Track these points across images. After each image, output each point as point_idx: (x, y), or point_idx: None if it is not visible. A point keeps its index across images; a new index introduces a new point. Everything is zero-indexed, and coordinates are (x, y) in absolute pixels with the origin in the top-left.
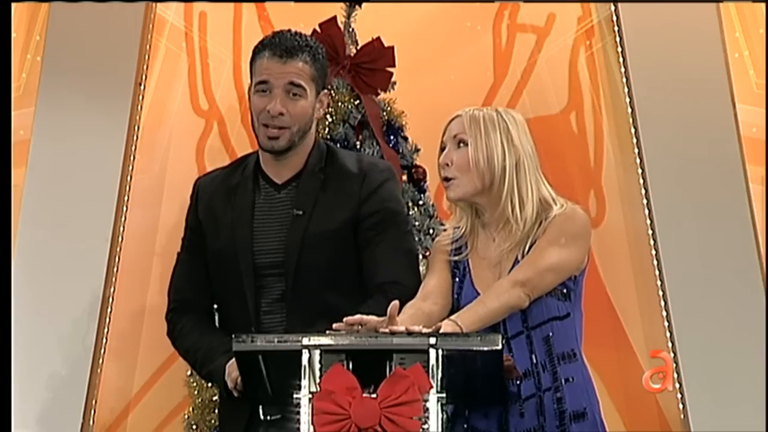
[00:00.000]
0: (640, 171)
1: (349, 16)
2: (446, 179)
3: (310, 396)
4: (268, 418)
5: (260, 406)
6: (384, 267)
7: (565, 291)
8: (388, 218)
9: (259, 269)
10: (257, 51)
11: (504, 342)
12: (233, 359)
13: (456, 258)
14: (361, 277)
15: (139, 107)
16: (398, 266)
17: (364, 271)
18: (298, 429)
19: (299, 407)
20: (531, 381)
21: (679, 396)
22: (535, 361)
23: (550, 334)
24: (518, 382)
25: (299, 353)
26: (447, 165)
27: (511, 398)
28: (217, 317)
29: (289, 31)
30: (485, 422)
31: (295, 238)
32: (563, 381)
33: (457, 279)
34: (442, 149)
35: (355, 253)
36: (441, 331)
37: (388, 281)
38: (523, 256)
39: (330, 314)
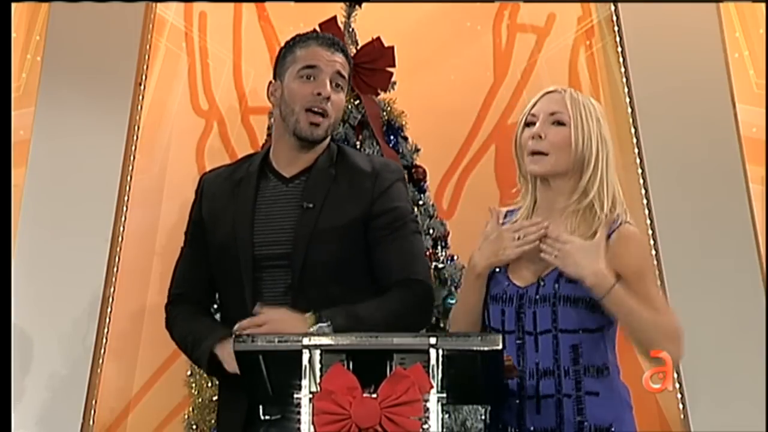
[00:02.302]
0: (640, 171)
1: (349, 16)
2: (534, 153)
3: (311, 396)
4: (268, 417)
5: (260, 406)
6: (404, 263)
7: (595, 303)
8: (400, 218)
9: (260, 261)
10: (298, 42)
11: (530, 337)
12: (220, 343)
13: None
14: (367, 273)
15: (139, 107)
16: (417, 263)
17: (379, 267)
18: (299, 429)
19: (299, 407)
20: (551, 381)
21: (679, 396)
22: (558, 363)
23: (579, 343)
24: (538, 383)
25: (299, 353)
26: (540, 137)
27: (525, 394)
28: (220, 314)
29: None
30: (508, 414)
31: (304, 231)
32: (586, 393)
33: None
34: (528, 124)
35: (363, 249)
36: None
37: (411, 277)
38: None
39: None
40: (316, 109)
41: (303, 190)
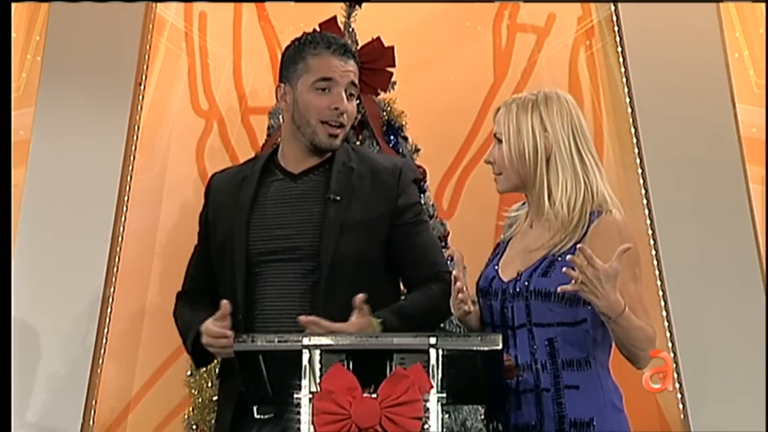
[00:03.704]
0: (640, 171)
1: (349, 16)
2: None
3: (311, 396)
4: (261, 417)
5: (253, 405)
6: (434, 256)
7: (569, 297)
8: (419, 213)
9: (256, 256)
10: (308, 46)
11: (510, 332)
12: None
13: (501, 239)
14: (382, 267)
15: (139, 107)
16: (442, 256)
17: (408, 261)
18: (297, 429)
19: (299, 407)
20: (530, 376)
21: (679, 396)
22: (535, 358)
23: (555, 337)
24: (518, 378)
25: (299, 353)
26: (491, 162)
27: (508, 389)
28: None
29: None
30: (497, 410)
31: (334, 223)
32: (565, 387)
33: (491, 258)
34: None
35: (384, 244)
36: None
37: (442, 270)
38: (559, 251)
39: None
40: (333, 123)
41: (322, 183)
